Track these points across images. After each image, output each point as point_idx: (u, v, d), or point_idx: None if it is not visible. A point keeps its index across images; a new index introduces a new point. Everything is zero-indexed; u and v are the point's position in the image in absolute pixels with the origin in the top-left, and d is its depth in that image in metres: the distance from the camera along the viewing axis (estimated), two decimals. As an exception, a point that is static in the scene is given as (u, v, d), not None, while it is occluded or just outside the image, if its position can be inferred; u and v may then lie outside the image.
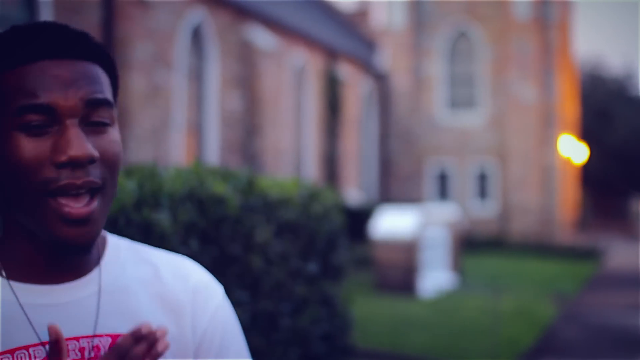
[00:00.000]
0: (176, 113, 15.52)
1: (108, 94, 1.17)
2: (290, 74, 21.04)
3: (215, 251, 2.91)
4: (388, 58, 28.95)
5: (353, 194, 24.71)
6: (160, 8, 14.87)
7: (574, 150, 30.22)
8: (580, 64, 45.73)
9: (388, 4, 29.06)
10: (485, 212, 27.67)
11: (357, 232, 16.26)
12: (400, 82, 28.73)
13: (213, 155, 16.89)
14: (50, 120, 1.11)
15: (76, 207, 1.11)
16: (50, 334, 1.03)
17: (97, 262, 1.24)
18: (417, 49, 28.90)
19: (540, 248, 24.77)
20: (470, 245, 21.89)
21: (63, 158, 1.09)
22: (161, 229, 2.41)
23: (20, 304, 1.16)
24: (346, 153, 24.95)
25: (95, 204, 1.13)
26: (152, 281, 1.27)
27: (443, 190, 28.56)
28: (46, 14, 11.75)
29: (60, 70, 1.12)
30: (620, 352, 9.15)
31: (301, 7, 25.79)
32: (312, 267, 4.87)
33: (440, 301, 12.50)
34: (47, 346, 1.14)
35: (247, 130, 18.07)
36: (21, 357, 1.14)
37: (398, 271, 13.04)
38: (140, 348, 1.06)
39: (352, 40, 29.16)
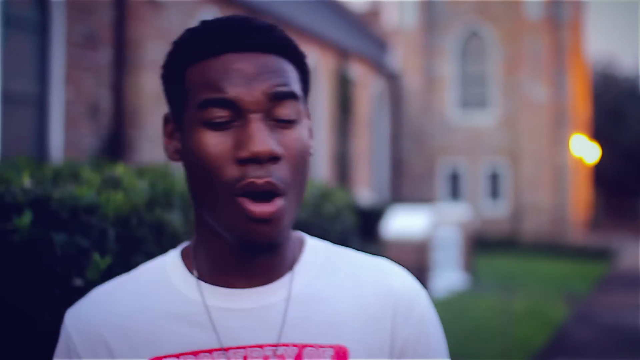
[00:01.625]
0: (188, 113, 15.55)
1: (295, 87, 1.13)
2: (302, 73, 21.04)
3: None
4: (399, 58, 28.93)
5: (365, 194, 24.70)
6: (172, 8, 14.90)
7: (586, 150, 30.14)
8: (592, 64, 45.60)
9: (399, 3, 29.04)
10: (497, 212, 27.62)
11: (369, 232, 16.24)
12: (412, 81, 28.70)
13: (224, 155, 16.93)
14: (234, 114, 1.08)
15: (260, 205, 1.07)
16: None
17: (290, 267, 1.20)
18: (429, 49, 28.87)
19: (552, 248, 24.70)
20: (482, 245, 21.84)
21: (245, 154, 1.06)
22: (173, 228, 2.42)
23: (206, 306, 1.14)
24: (358, 153, 24.93)
25: (279, 203, 1.08)
26: (351, 287, 1.21)
27: (455, 190, 28.52)
28: (58, 14, 11.78)
29: (244, 63, 1.10)
30: (632, 353, 9.12)
31: (312, 7, 25.80)
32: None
33: (451, 301, 12.48)
34: (228, 352, 1.12)
35: (259, 130, 18.08)
36: None
37: (410, 271, 12.95)
38: None
39: (364, 40, 29.14)
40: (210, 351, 1.12)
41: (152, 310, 1.15)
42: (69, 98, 11.96)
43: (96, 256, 1.92)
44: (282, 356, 1.13)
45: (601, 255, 23.63)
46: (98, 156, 11.44)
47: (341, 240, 5.39)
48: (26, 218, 1.87)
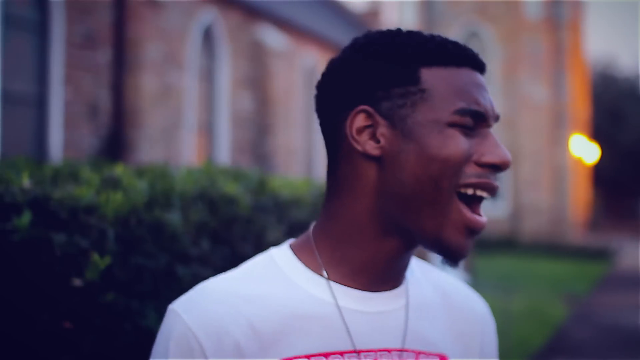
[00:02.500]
0: (187, 113, 15.54)
1: None
2: (301, 73, 21.05)
3: (227, 251, 2.92)
4: (399, 58, 28.89)
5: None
6: (172, 8, 14.90)
7: (585, 150, 30.13)
8: (592, 64, 45.57)
9: (399, 3, 29.04)
10: (496, 212, 27.60)
11: (368, 232, 16.22)
12: (411, 82, 28.65)
13: (224, 155, 16.92)
14: (477, 124, 1.15)
15: (481, 216, 1.13)
16: None
17: (404, 275, 1.23)
18: (428, 49, 28.85)
19: (552, 248, 24.68)
20: (481, 245, 21.81)
21: (496, 160, 1.14)
22: (172, 228, 2.42)
23: (338, 307, 1.14)
24: (357, 153, 24.89)
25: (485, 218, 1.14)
26: (444, 305, 1.27)
27: (454, 190, 28.48)
28: (57, 14, 11.78)
29: (481, 80, 1.18)
30: (632, 353, 9.12)
31: (312, 7, 25.80)
32: (323, 267, 4.86)
33: (451, 301, 12.47)
34: (360, 355, 1.13)
35: (258, 130, 18.08)
36: None
37: (409, 271, 13.01)
38: None
39: (363, 40, 29.10)
40: (342, 353, 1.12)
41: (280, 309, 1.12)
42: (69, 98, 11.96)
43: (95, 256, 1.92)
44: None
45: (600, 255, 23.62)
46: (97, 156, 11.44)
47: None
48: (25, 218, 1.87)
